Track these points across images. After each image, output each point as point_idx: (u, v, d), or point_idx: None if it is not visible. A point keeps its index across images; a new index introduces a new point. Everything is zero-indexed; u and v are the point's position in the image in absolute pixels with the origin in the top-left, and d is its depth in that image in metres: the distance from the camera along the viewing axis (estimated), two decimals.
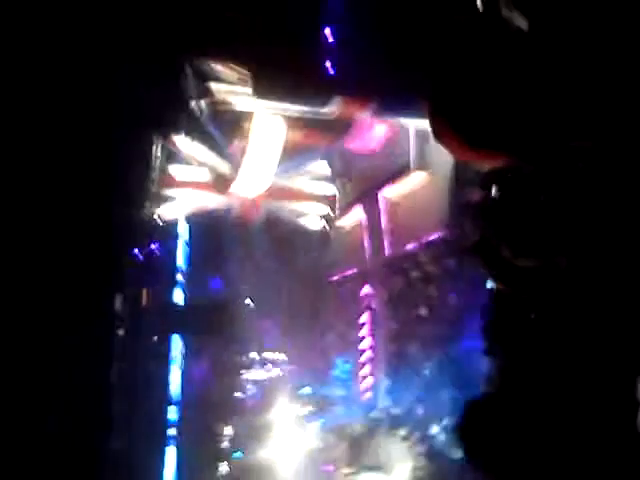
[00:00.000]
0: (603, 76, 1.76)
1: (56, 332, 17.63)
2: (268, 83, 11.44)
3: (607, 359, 2.28)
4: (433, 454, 12.34)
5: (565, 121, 1.76)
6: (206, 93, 12.91)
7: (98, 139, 16.07)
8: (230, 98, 12.71)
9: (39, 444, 16.85)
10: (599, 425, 2.07)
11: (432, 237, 12.90)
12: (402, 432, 13.30)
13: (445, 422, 11.85)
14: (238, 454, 18.44)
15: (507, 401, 2.18)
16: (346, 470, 15.36)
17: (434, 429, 12.37)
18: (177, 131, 14.97)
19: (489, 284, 4.04)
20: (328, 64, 10.84)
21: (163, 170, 15.92)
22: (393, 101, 10.99)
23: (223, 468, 18.80)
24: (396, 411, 13.59)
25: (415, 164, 13.31)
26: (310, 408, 16.96)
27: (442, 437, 12.00)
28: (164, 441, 18.91)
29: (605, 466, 2.06)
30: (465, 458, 2.15)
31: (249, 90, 11.73)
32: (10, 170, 15.75)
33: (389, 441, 13.76)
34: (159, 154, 15.66)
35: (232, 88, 12.53)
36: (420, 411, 12.89)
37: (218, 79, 12.81)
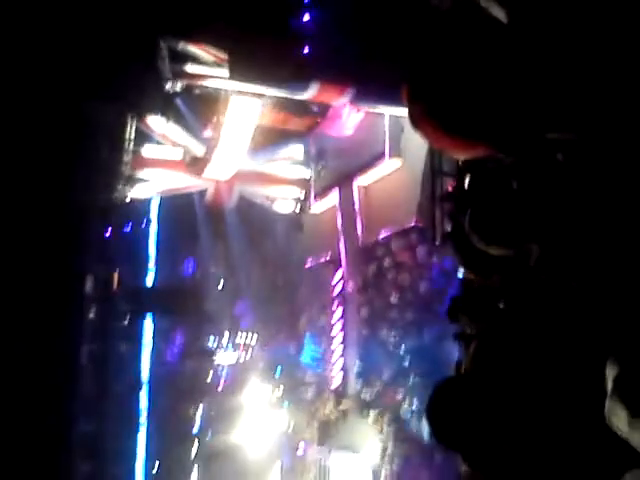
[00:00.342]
0: (585, 67, 1.76)
1: (27, 314, 17.43)
2: (245, 66, 11.32)
3: (575, 349, 2.30)
4: (402, 436, 12.48)
5: (544, 112, 1.76)
6: (182, 74, 12.73)
7: (68, 118, 15.81)
8: (206, 80, 12.56)
9: (8, 425, 16.69)
10: (565, 412, 2.10)
11: (405, 225, 12.94)
12: (372, 415, 13.42)
13: (415, 405, 11.97)
14: (209, 435, 18.47)
15: (475, 384, 2.20)
16: (317, 450, 15.48)
17: (403, 412, 12.50)
18: (151, 111, 14.75)
19: (460, 273, 4.07)
20: (306, 49, 10.75)
21: (136, 151, 15.70)
22: (370, 88, 10.96)
23: (193, 449, 18.82)
24: (366, 394, 13.70)
25: (389, 152, 13.32)
26: (281, 390, 17.02)
27: (411, 419, 12.13)
28: (135, 423, 18.87)
29: (571, 451, 2.09)
30: (433, 438, 2.18)
31: (225, 72, 11.60)
32: None
33: (359, 423, 13.88)
34: (132, 134, 15.43)
35: (208, 70, 12.38)
36: (390, 395, 13.01)
37: (194, 60, 12.65)
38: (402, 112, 10.89)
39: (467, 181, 3.98)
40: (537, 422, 2.17)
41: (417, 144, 11.66)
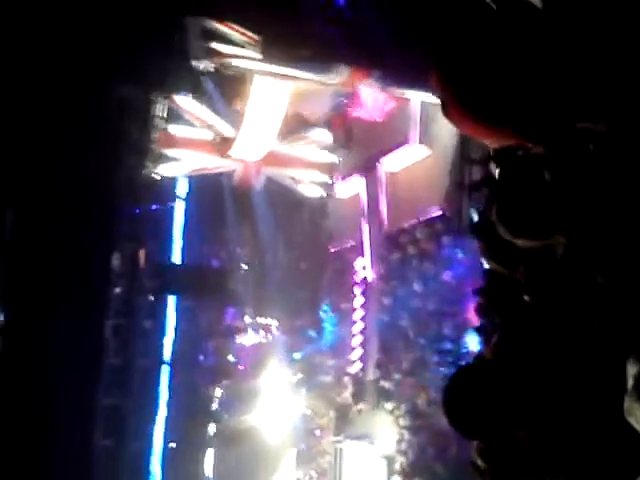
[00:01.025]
0: (618, 56, 1.67)
1: (55, 286, 17.68)
2: (278, 48, 11.25)
3: (597, 345, 2.23)
4: (418, 427, 12.45)
5: (575, 101, 1.67)
6: (211, 53, 12.69)
7: (100, 96, 15.90)
8: (235, 60, 12.50)
9: (35, 396, 16.99)
10: (585, 407, 2.04)
11: (431, 213, 12.82)
12: (389, 405, 13.40)
13: (432, 396, 11.91)
14: (227, 416, 18.62)
15: (495, 373, 2.15)
16: (332, 438, 15.53)
17: (421, 402, 12.45)
18: (180, 90, 14.74)
19: (486, 264, 3.98)
20: (335, 30, 10.63)
21: (164, 129, 15.73)
22: (399, 72, 10.82)
23: (212, 429, 19.00)
24: (384, 383, 13.67)
25: (419, 138, 13.17)
26: (300, 375, 17.07)
27: (428, 411, 12.08)
28: (156, 400, 19.09)
29: (589, 445, 2.03)
30: (450, 425, 2.13)
31: (256, 54, 11.54)
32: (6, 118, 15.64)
33: (376, 412, 13.86)
34: (161, 113, 15.46)
35: (238, 50, 12.31)
36: (408, 385, 12.96)
37: (225, 40, 12.59)
38: (430, 97, 10.73)
39: (496, 171, 3.88)
40: (557, 415, 2.10)
41: (447, 131, 11.51)
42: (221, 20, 11.67)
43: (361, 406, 14.60)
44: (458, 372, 2.22)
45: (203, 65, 12.54)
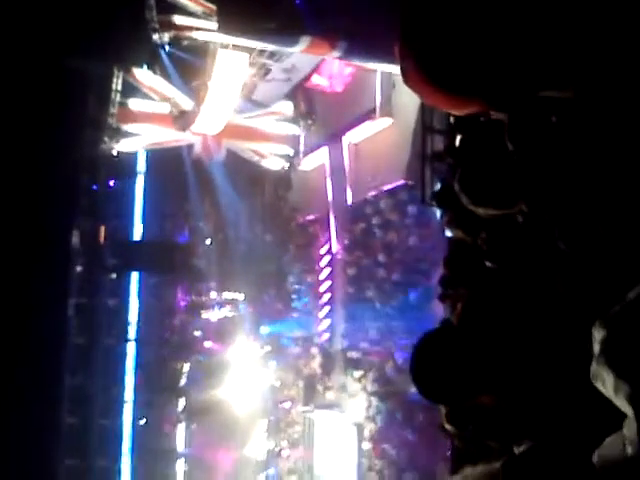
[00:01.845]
0: (585, 19, 1.69)
1: (13, 266, 17.36)
2: (234, 18, 11.04)
3: (562, 309, 2.29)
4: (386, 394, 12.66)
5: (541, 68, 1.69)
6: (169, 25, 12.43)
7: (53, 72, 15.48)
8: (194, 32, 12.28)
9: None
10: (551, 373, 2.11)
11: (394, 184, 12.88)
12: (357, 373, 13.58)
13: (399, 363, 12.11)
14: (196, 391, 18.67)
15: (461, 336, 2.19)
16: (302, 408, 15.71)
17: (388, 370, 12.65)
18: (138, 64, 14.44)
19: (448, 232, 4.04)
20: (297, 1, 10.49)
21: (123, 104, 15.43)
22: (362, 43, 10.75)
23: (182, 404, 19.05)
24: (352, 353, 13.83)
25: (380, 109, 13.16)
26: (268, 348, 17.16)
27: (396, 378, 12.28)
28: (122, 377, 19.02)
29: (555, 411, 2.10)
30: (417, 391, 2.17)
31: (214, 24, 11.33)
32: None
33: (344, 380, 14.05)
34: (119, 87, 15.13)
35: (196, 21, 12.09)
36: (375, 353, 13.14)
37: (182, 11, 12.34)
38: (394, 68, 10.72)
39: (458, 140, 3.93)
40: (521, 379, 2.17)
41: (409, 101, 11.53)
42: None
43: (329, 375, 14.76)
44: (423, 338, 2.26)
45: (161, 37, 12.29)
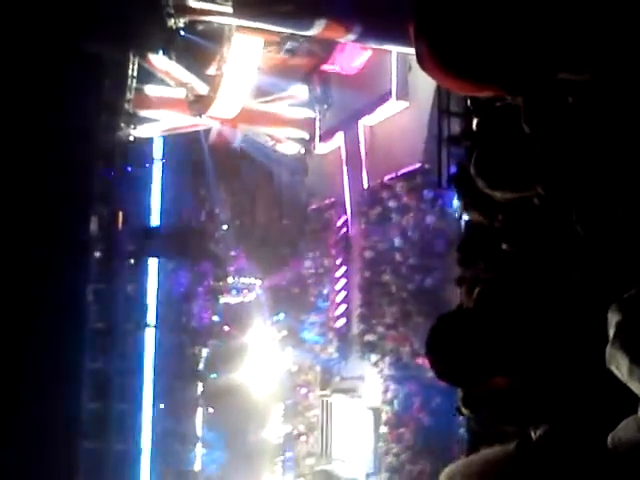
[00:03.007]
0: (603, 3, 1.67)
1: (32, 252, 17.53)
2: (249, 2, 11.02)
3: (578, 293, 2.29)
4: (403, 377, 12.70)
5: (557, 51, 1.68)
6: (184, 10, 12.42)
7: (68, 55, 15.51)
8: (209, 16, 12.25)
9: (15, 360, 17.00)
10: (567, 356, 2.11)
11: (410, 167, 12.84)
12: (374, 357, 13.63)
13: (416, 347, 12.13)
14: (214, 375, 18.84)
15: (478, 318, 2.20)
16: (319, 392, 15.81)
17: (404, 354, 12.68)
18: (154, 49, 14.45)
19: (465, 215, 4.03)
20: None
21: (139, 89, 15.48)
22: (377, 25, 10.68)
23: (200, 389, 19.24)
24: (368, 337, 13.88)
25: (396, 91, 13.09)
26: (284, 333, 17.26)
27: (412, 361, 12.31)
28: (141, 362, 19.23)
29: (571, 395, 2.11)
30: (433, 372, 2.19)
31: (229, 8, 11.30)
32: None
33: (360, 364, 14.11)
34: (135, 73, 15.17)
35: (211, 5, 12.06)
36: (392, 337, 13.17)
37: None
38: (410, 51, 10.64)
39: (475, 123, 3.90)
40: (538, 363, 2.17)
41: (425, 84, 11.45)
42: None
43: (346, 360, 14.83)
44: (440, 320, 2.27)
45: (176, 21, 12.29)
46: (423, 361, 11.34)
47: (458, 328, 2.20)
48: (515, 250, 3.08)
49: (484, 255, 3.75)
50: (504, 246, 3.16)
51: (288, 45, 14.04)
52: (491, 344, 2.14)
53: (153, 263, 19.92)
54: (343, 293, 15.26)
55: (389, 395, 13.07)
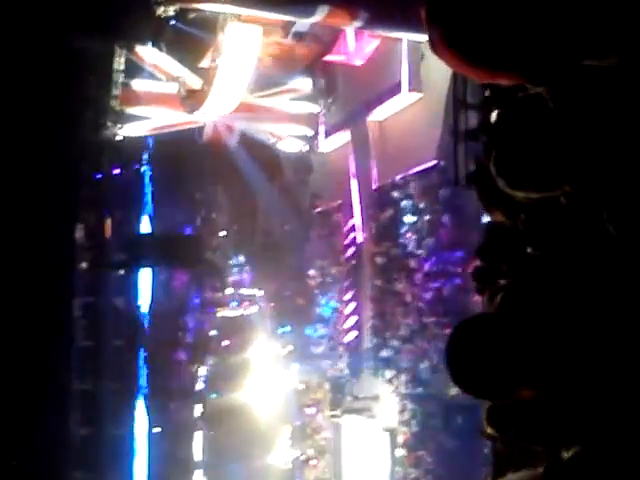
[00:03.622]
0: None
1: (11, 264, 17.56)
2: None
3: (611, 298, 2.29)
4: (421, 395, 12.67)
5: (582, 35, 1.68)
6: None
7: (50, 50, 15.56)
8: (201, 4, 12.29)
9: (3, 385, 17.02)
10: (598, 363, 2.10)
11: (424, 165, 12.83)
12: (388, 373, 13.60)
13: (435, 362, 12.10)
14: (214, 395, 18.84)
15: (499, 323, 2.20)
16: (329, 413, 15.79)
17: (422, 369, 12.65)
18: (141, 40, 14.49)
19: (485, 217, 4.03)
20: None
21: (126, 84, 15.53)
22: (385, 10, 10.70)
23: (198, 410, 19.23)
24: (382, 351, 13.85)
25: (408, 82, 13.10)
26: (290, 348, 17.25)
27: (431, 378, 12.28)
28: (134, 381, 19.22)
29: (605, 408, 2.10)
30: (453, 382, 2.18)
31: None
32: None
33: (374, 383, 14.08)
34: (121, 66, 15.22)
35: None
36: (408, 352, 13.15)
37: None
38: (422, 37, 10.64)
39: (494, 115, 3.90)
40: (568, 374, 2.16)
41: (438, 73, 11.45)
42: None
43: (358, 377, 14.80)
44: (460, 326, 2.26)
45: (166, 10, 12.32)
46: (443, 377, 11.33)
47: (480, 335, 2.19)
48: (541, 253, 3.08)
49: (507, 259, 3.74)
50: (529, 249, 3.16)
51: (295, 27, 13.88)
52: (516, 352, 2.13)
53: (145, 273, 19.95)
54: (353, 304, 15.25)
55: (406, 415, 13.04)
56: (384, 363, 13.75)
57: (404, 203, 13.46)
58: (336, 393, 15.52)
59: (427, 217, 12.87)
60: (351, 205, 15.29)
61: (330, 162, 16.58)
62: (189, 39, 14.08)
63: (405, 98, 13.36)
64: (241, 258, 18.91)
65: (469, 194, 9.92)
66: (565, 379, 2.09)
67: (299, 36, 14.44)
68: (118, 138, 16.63)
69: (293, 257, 17.53)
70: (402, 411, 13.14)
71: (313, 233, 17.02)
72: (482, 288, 4.51)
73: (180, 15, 13.09)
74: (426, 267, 12.80)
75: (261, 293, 18.61)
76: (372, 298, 14.43)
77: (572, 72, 1.89)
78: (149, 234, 20.23)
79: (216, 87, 14.31)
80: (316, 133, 16.83)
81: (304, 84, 16.36)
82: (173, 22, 13.37)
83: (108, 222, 19.39)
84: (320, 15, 10.84)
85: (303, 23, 11.90)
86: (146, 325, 19.85)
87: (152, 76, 15.44)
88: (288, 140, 17.09)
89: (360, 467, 14.57)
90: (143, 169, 19.95)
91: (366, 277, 14.78)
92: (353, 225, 15.29)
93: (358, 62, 14.60)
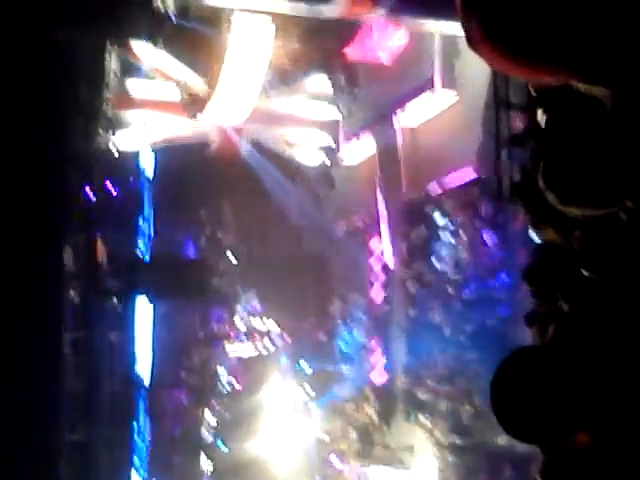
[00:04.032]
0: None
1: None
2: None
3: None
4: (463, 445, 12.58)
5: None
6: None
7: (39, 44, 15.71)
8: None
9: None
10: None
11: (461, 175, 12.85)
12: (424, 419, 13.52)
13: (479, 406, 12.02)
14: (223, 446, 18.80)
15: (551, 358, 2.18)
16: (355, 464, 15.69)
17: (464, 413, 12.57)
18: (138, 36, 14.66)
19: (534, 235, 4.02)
20: None
21: (120, 86, 15.68)
22: None
23: (205, 464, 19.19)
24: (416, 393, 13.79)
25: (441, 81, 13.16)
26: (309, 388, 17.20)
27: (475, 425, 12.19)
28: (131, 430, 19.23)
29: None
30: (500, 425, 2.16)
31: None
32: None
33: (408, 430, 14.00)
34: (114, 66, 15.40)
35: None
36: (446, 393, 13.08)
37: None
38: (456, 28, 10.69)
39: (543, 118, 3.88)
40: (632, 417, 2.14)
41: (477, 70, 11.49)
42: None
43: (388, 422, 14.74)
44: (506, 361, 2.25)
45: (165, 3, 12.50)
46: (488, 423, 11.24)
47: (530, 371, 2.18)
48: (599, 277, 3.05)
49: (560, 284, 3.71)
50: (584, 272, 3.13)
51: (311, 19, 13.90)
52: (572, 391, 2.11)
53: (142, 303, 20.03)
54: (383, 338, 15.23)
55: (446, 468, 12.95)
56: (419, 407, 13.67)
57: (439, 220, 13.46)
58: (364, 443, 15.43)
59: (466, 236, 12.86)
60: (378, 224, 15.30)
61: (355, 175, 16.64)
62: (191, 36, 14.22)
63: (438, 97, 13.40)
64: (251, 285, 18.92)
65: (514, 209, 9.89)
66: (629, 423, 2.06)
67: (315, 31, 14.54)
68: (112, 150, 16.75)
69: (313, 285, 17.53)
70: (441, 463, 13.04)
71: (335, 257, 17.03)
72: (531, 317, 4.49)
73: (182, 9, 13.26)
74: (466, 294, 12.76)
75: (274, 326, 18.61)
76: (405, 330, 14.39)
77: (637, 71, 1.87)
78: (147, 259, 20.35)
79: (222, 89, 14.42)
80: (337, 142, 16.87)
81: (322, 84, 16.41)
82: (174, 17, 13.52)
83: (100, 244, 19.51)
84: (338, 5, 10.94)
85: (319, 13, 11.95)
86: (145, 364, 19.89)
87: (149, 77, 15.60)
88: (305, 149, 17.16)
89: None
90: (141, 185, 20.11)
91: (397, 306, 14.76)
92: (381, 247, 15.30)
93: (383, 58, 14.64)
